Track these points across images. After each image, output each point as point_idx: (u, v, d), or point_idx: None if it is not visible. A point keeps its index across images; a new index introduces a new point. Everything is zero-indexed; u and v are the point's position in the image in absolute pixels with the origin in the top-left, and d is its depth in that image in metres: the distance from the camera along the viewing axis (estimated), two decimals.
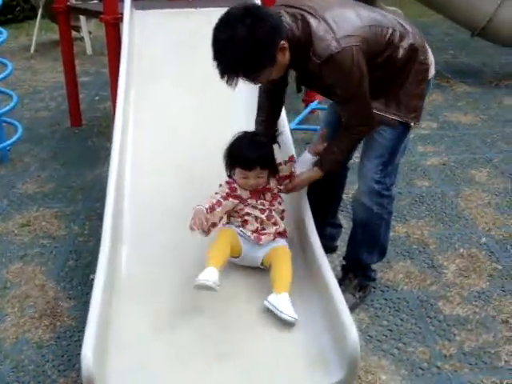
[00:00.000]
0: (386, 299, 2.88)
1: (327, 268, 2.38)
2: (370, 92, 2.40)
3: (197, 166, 3.10)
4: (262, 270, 2.51)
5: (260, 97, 2.74)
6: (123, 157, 3.10)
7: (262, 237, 2.50)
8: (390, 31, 2.41)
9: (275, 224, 2.53)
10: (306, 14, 2.30)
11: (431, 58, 2.57)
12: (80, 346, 1.99)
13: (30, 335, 2.69)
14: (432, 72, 2.59)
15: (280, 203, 2.57)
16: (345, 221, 3.32)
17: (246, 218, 2.52)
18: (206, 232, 2.42)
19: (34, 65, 7.49)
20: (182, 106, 3.51)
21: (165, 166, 3.15)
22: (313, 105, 5.05)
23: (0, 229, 3.58)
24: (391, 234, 3.24)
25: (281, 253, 2.48)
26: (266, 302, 2.31)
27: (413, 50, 2.48)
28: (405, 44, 2.46)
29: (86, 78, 6.62)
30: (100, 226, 2.63)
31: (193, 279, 2.41)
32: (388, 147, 2.59)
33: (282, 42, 2.22)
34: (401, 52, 2.45)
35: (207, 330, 2.29)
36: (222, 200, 2.49)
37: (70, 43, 5.12)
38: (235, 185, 2.51)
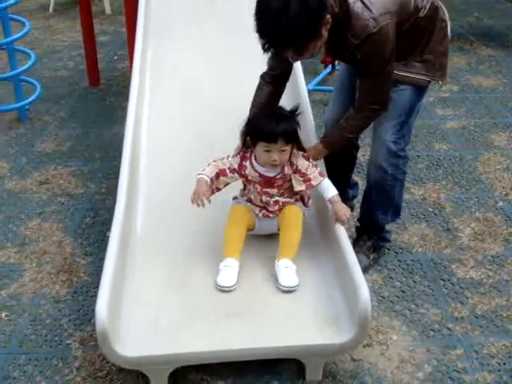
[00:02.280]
0: (399, 261, 2.88)
1: (341, 228, 2.39)
2: (395, 57, 2.39)
3: (213, 128, 3.10)
4: (273, 241, 2.50)
5: (259, 88, 2.64)
6: (139, 116, 3.11)
7: (271, 214, 2.49)
8: None
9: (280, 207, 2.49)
10: None
11: (447, 14, 2.57)
12: (95, 301, 2.03)
13: (48, 290, 2.74)
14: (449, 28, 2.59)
15: (290, 192, 2.50)
16: (360, 181, 3.30)
17: (251, 196, 2.50)
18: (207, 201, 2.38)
19: (52, 24, 7.45)
20: (199, 66, 3.51)
21: (181, 127, 3.15)
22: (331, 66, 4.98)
23: (18, 186, 3.62)
24: (407, 196, 3.25)
25: (292, 215, 2.47)
26: (272, 269, 2.37)
27: (434, 9, 2.48)
28: (427, 3, 2.45)
29: (105, 38, 6.58)
30: (118, 184, 2.65)
31: (208, 236, 2.46)
32: (406, 107, 2.57)
33: (328, 16, 2.18)
34: (424, 12, 2.44)
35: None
36: (228, 172, 2.45)
37: (88, 2, 5.08)
38: (247, 163, 2.44)
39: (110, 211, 2.61)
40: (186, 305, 2.26)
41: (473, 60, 5.59)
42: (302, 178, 2.41)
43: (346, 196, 3.00)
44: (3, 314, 2.61)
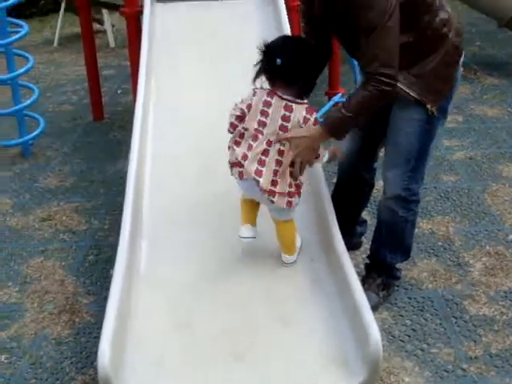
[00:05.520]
0: (409, 298, 2.81)
1: (349, 266, 2.33)
2: (402, 55, 2.24)
3: (218, 161, 3.05)
4: (279, 278, 2.47)
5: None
6: (143, 151, 3.08)
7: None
8: None
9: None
10: None
11: (461, 47, 2.49)
12: (98, 342, 1.97)
13: (49, 331, 2.68)
14: (461, 61, 2.51)
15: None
16: (368, 216, 3.25)
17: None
18: None
19: (57, 58, 7.50)
20: (203, 100, 3.47)
21: (185, 161, 3.11)
22: (336, 98, 4.92)
23: (21, 223, 3.58)
24: (415, 230, 3.18)
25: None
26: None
27: (448, 27, 2.39)
28: (442, 15, 2.36)
29: (109, 71, 6.61)
30: (121, 221, 2.61)
31: (212, 274, 2.45)
32: (414, 152, 2.49)
33: None
34: (437, 22, 2.35)
35: (225, 327, 2.26)
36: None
37: (92, 36, 5.10)
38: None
39: (114, 248, 2.57)
40: (190, 347, 2.18)
41: (477, 89, 5.57)
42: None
43: (353, 232, 2.94)
44: (3, 357, 2.54)
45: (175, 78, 3.64)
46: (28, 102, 4.43)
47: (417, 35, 2.34)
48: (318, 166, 2.72)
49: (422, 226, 3.34)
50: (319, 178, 2.76)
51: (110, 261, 3.06)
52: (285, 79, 2.36)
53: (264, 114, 2.37)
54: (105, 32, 8.07)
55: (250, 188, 2.42)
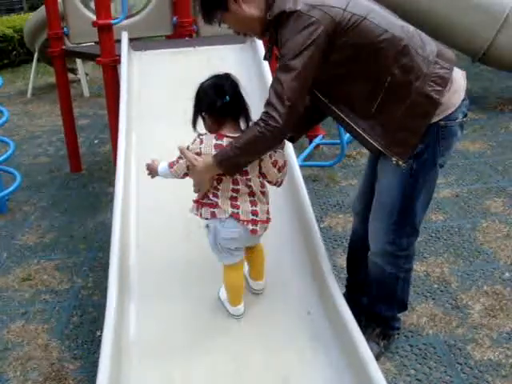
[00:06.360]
0: (411, 345, 2.71)
1: (350, 317, 2.22)
2: (363, 103, 2.19)
3: None
4: (277, 338, 2.34)
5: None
6: (126, 206, 2.96)
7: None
8: (388, 36, 2.14)
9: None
10: None
11: (454, 100, 2.24)
12: None
13: None
14: (447, 114, 2.23)
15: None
16: None
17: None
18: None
19: (31, 109, 7.41)
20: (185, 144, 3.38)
21: (170, 212, 3.00)
22: (317, 140, 4.93)
23: (0, 284, 3.42)
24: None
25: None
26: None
27: (414, 75, 2.17)
28: (406, 61, 2.16)
29: (85, 121, 6.52)
30: (104, 278, 2.49)
31: (205, 338, 2.32)
32: (396, 203, 2.33)
33: None
34: (397, 68, 2.16)
35: None
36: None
37: (67, 87, 5.02)
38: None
39: (99, 308, 2.45)
40: None
41: None
42: None
43: (359, 303, 2.73)
44: None
45: (155, 125, 3.55)
46: (3, 156, 4.30)
47: (375, 83, 2.19)
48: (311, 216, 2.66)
49: (417, 268, 3.25)
50: (312, 225, 2.67)
51: (96, 321, 2.93)
52: (234, 115, 2.29)
53: None
54: (79, 81, 8.02)
55: (244, 234, 2.34)
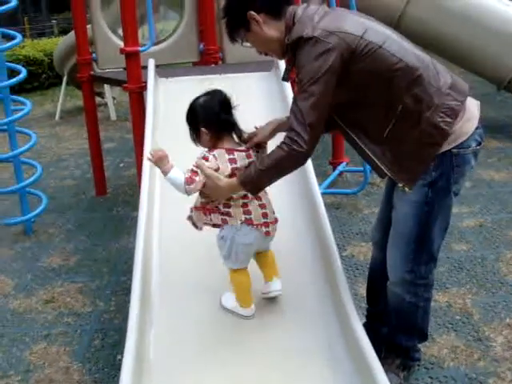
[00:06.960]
0: (431, 377, 2.68)
1: (368, 346, 2.22)
2: (376, 128, 2.25)
3: None
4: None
5: None
6: (150, 230, 2.99)
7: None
8: (402, 65, 2.18)
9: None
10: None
11: (466, 129, 2.26)
12: None
13: None
14: (460, 142, 2.25)
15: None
16: None
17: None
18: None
19: (58, 132, 7.54)
20: None
21: (193, 237, 3.02)
22: (340, 167, 4.94)
23: (23, 305, 3.47)
24: (432, 304, 3.06)
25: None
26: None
27: (426, 105, 2.20)
28: (417, 91, 2.19)
29: (111, 145, 6.62)
30: (127, 302, 2.52)
31: (228, 361, 2.32)
32: (413, 232, 2.35)
33: (253, 12, 2.26)
34: (408, 98, 2.20)
35: None
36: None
37: (94, 112, 5.12)
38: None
39: (120, 332, 2.47)
40: None
41: (481, 153, 5.52)
42: None
43: (380, 332, 2.73)
44: None
45: (179, 153, 3.59)
46: (31, 179, 4.39)
47: (388, 109, 2.23)
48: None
49: (439, 298, 3.23)
50: (333, 253, 2.68)
51: (117, 345, 2.95)
52: (230, 129, 2.39)
53: (236, 170, 2.35)
54: (106, 105, 8.15)
55: (260, 237, 2.42)
